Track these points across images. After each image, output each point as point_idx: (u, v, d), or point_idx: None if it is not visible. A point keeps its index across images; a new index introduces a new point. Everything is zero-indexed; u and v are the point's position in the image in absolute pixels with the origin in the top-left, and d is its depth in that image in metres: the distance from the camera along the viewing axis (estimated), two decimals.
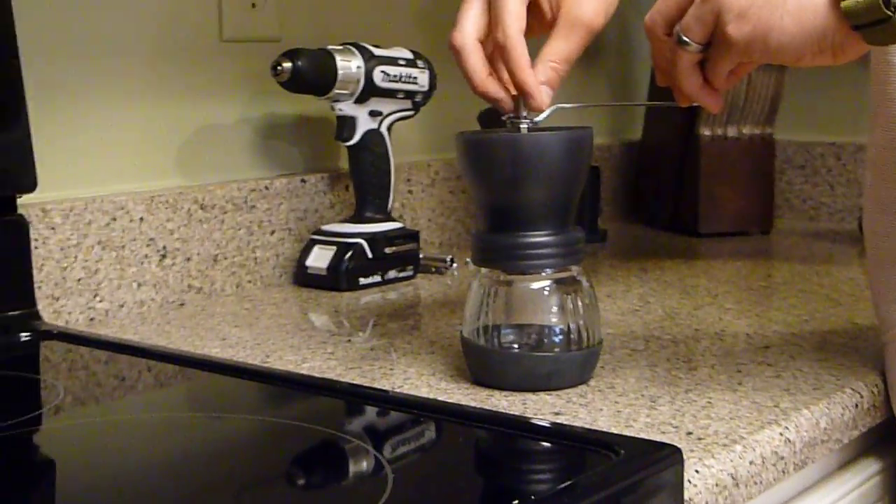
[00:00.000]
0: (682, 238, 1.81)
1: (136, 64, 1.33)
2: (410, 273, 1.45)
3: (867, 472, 1.06)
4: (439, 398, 0.94)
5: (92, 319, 1.25)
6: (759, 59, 0.87)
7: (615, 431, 0.84)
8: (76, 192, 1.27)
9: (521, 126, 0.94)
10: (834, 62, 0.84)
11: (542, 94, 0.92)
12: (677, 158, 1.85)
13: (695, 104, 0.94)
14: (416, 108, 1.48)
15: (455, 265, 1.50)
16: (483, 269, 0.97)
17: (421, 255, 1.48)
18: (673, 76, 0.92)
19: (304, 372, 1.03)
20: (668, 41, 0.90)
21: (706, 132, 1.79)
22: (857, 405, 0.96)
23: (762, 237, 1.81)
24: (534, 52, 0.93)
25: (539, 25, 0.96)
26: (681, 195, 1.84)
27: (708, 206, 1.80)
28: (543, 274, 0.96)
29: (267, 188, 1.42)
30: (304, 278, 1.41)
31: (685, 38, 0.88)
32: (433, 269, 1.49)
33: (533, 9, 0.94)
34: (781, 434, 0.86)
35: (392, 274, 1.43)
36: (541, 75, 0.92)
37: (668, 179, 1.87)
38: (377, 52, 1.41)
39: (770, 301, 1.32)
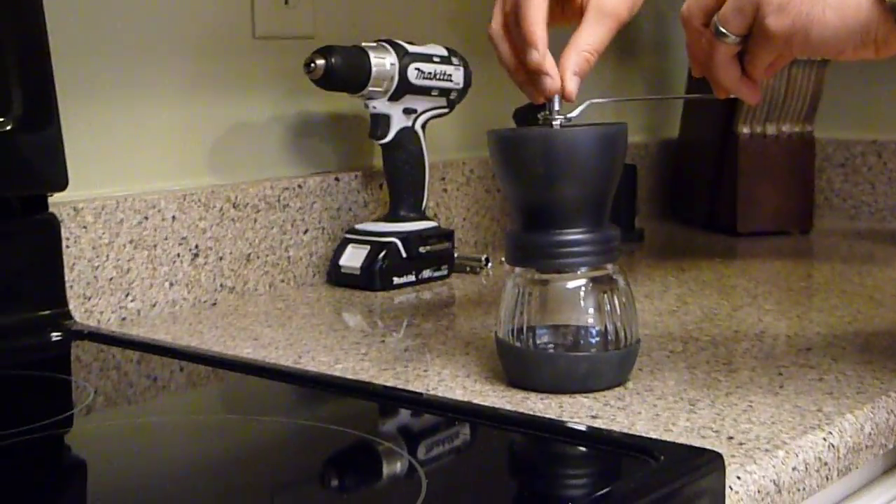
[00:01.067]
0: (720, 237, 1.79)
1: (168, 61, 1.32)
2: (445, 272, 1.44)
3: None
4: (474, 400, 0.92)
5: (124, 319, 1.24)
6: (798, 53, 0.85)
7: (654, 436, 0.82)
8: (108, 191, 1.26)
9: (555, 122, 0.93)
10: (876, 56, 0.83)
11: (569, 81, 0.92)
12: (715, 156, 1.83)
13: (732, 96, 0.92)
14: (451, 105, 1.46)
15: (490, 264, 1.48)
16: (517, 269, 0.96)
17: (456, 255, 1.46)
18: (710, 68, 0.90)
19: (338, 373, 1.02)
20: (706, 32, 0.89)
21: (745, 130, 1.77)
22: None
23: (802, 237, 1.79)
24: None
25: (570, 13, 0.96)
26: (719, 194, 1.82)
27: (746, 205, 1.78)
28: (579, 273, 0.94)
29: (300, 187, 1.40)
30: (337, 277, 1.40)
31: (723, 30, 0.86)
32: (468, 269, 1.47)
33: None
34: (825, 439, 0.84)
35: (426, 273, 1.42)
36: (573, 64, 0.92)
37: (706, 178, 1.85)
38: (411, 49, 1.39)
39: (811, 302, 1.30)
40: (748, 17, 0.85)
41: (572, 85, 0.92)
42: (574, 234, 0.93)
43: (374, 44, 1.38)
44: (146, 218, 1.25)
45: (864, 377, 0.98)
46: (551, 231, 0.93)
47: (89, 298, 1.21)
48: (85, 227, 1.20)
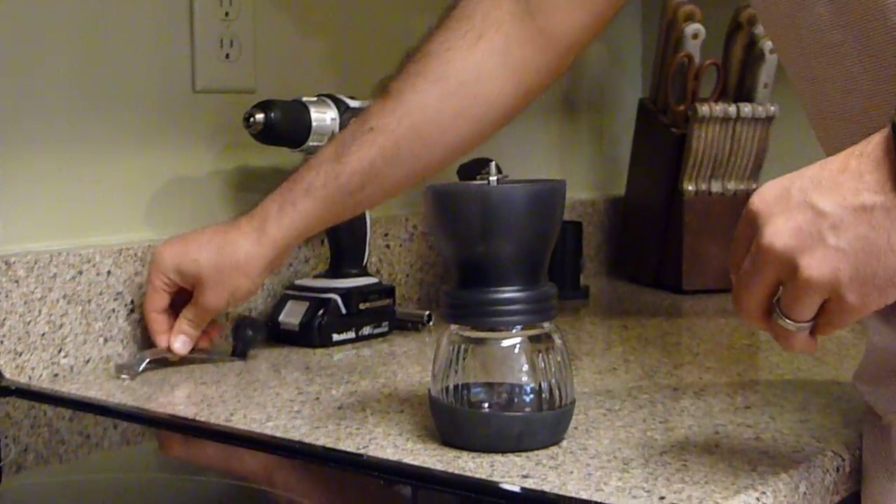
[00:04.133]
0: (665, 295, 1.78)
1: (106, 114, 1.30)
2: (385, 329, 1.42)
3: None
4: (405, 459, 0.91)
5: (56, 375, 1.21)
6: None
7: (585, 496, 0.81)
8: (41, 245, 1.24)
9: (491, 178, 0.92)
10: None
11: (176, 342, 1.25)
12: (661, 214, 1.83)
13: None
14: None
15: (433, 321, 1.47)
16: (452, 326, 0.94)
17: (398, 311, 1.45)
18: (769, 332, 0.83)
19: (269, 430, 1.00)
20: (770, 322, 0.82)
21: (690, 187, 1.77)
22: (838, 469, 0.92)
23: None
24: None
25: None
26: (665, 251, 1.82)
27: (692, 263, 1.78)
28: (514, 331, 0.93)
29: None
30: (276, 334, 1.38)
31: (792, 322, 0.80)
32: (410, 325, 1.46)
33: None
34: (758, 499, 0.83)
35: (367, 330, 1.40)
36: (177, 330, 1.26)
37: (653, 235, 1.85)
38: (352, 103, 1.39)
39: (753, 360, 1.29)
40: (818, 303, 0.78)
41: (177, 344, 1.25)
42: (510, 292, 0.92)
43: (315, 98, 1.37)
44: (80, 272, 1.23)
45: (801, 436, 0.97)
46: (487, 288, 0.92)
47: (20, 354, 1.19)
48: (17, 282, 1.18)
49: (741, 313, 0.82)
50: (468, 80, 1.15)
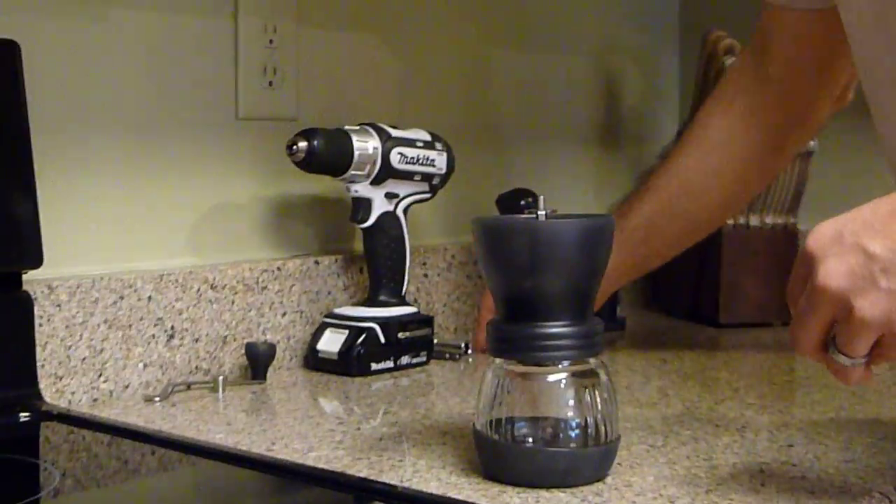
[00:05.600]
0: (702, 328, 1.77)
1: (151, 140, 1.31)
2: (424, 359, 1.42)
3: None
4: (449, 493, 0.90)
5: (95, 400, 1.22)
6: None
7: None
8: (83, 269, 1.24)
9: (540, 213, 0.92)
10: None
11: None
12: (699, 246, 1.81)
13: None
14: (434, 190, 1.46)
15: (470, 351, 1.46)
16: (498, 360, 0.94)
17: (435, 341, 1.45)
18: (826, 366, 0.86)
19: (311, 461, 1.00)
20: (826, 357, 0.85)
21: (729, 221, 1.77)
22: None
23: (784, 328, 1.77)
24: None
25: None
26: (701, 284, 1.81)
27: (729, 296, 1.77)
28: (560, 366, 0.93)
29: (279, 269, 1.39)
30: (314, 362, 1.38)
31: (847, 357, 0.83)
32: (447, 356, 1.46)
33: None
34: None
35: (405, 360, 1.40)
36: None
37: (689, 268, 1.84)
38: (394, 133, 1.39)
39: (793, 396, 1.28)
40: (873, 338, 0.81)
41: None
42: (557, 327, 0.91)
43: (357, 127, 1.37)
44: (122, 297, 1.23)
45: (846, 476, 0.96)
46: (534, 323, 0.92)
47: (61, 378, 1.19)
48: (59, 306, 1.18)
49: (798, 348, 0.85)
50: (722, 140, 1.31)
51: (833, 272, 0.80)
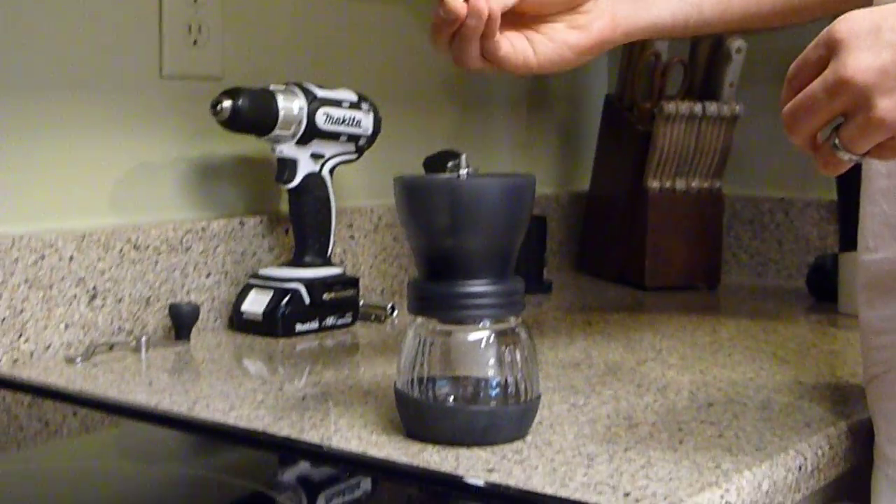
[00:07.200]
0: (628, 291, 1.79)
1: (72, 98, 1.29)
2: (349, 320, 1.42)
3: None
4: (370, 452, 0.91)
5: (16, 361, 1.20)
6: None
7: (550, 491, 0.81)
8: (3, 229, 1.23)
9: (462, 172, 0.92)
10: None
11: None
12: (625, 210, 1.83)
13: None
14: (360, 151, 1.45)
15: (396, 313, 1.46)
16: (419, 318, 0.94)
17: (361, 302, 1.44)
18: (815, 156, 0.83)
19: (232, 421, 0.99)
20: (822, 146, 0.82)
21: (654, 184, 1.78)
22: (800, 467, 0.93)
23: (709, 292, 1.79)
24: None
25: None
26: (628, 248, 1.82)
27: (655, 260, 1.78)
28: (481, 325, 0.93)
29: (204, 229, 1.38)
30: (239, 323, 1.38)
31: (849, 154, 0.80)
32: (373, 317, 1.46)
33: None
34: (722, 497, 0.83)
35: (330, 321, 1.39)
36: None
37: (616, 231, 1.85)
38: (320, 93, 1.38)
39: (715, 357, 1.30)
40: (882, 138, 0.79)
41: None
42: (478, 286, 0.91)
43: (283, 87, 1.36)
44: (42, 257, 1.22)
45: (763, 434, 0.97)
46: (455, 281, 0.92)
47: None
48: None
49: (794, 135, 0.81)
50: None
51: (864, 65, 0.76)
